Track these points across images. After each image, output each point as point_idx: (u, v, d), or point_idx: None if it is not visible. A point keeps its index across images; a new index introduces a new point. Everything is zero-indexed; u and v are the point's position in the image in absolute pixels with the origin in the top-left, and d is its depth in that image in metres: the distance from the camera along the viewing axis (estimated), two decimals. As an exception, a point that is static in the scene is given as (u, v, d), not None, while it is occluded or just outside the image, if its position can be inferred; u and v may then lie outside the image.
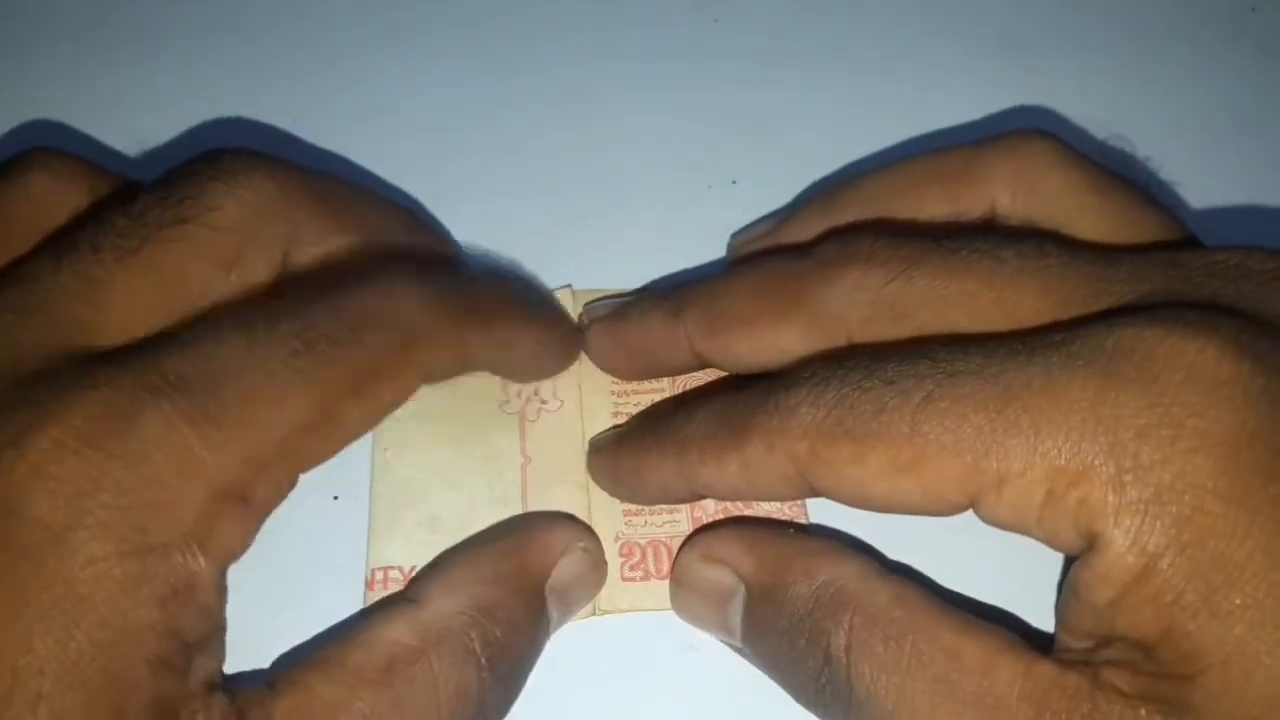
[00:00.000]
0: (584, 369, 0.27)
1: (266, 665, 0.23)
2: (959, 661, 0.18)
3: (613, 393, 0.27)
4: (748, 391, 0.21)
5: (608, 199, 0.30)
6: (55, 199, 0.21)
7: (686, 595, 0.23)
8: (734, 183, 0.31)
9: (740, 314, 0.23)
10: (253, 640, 0.22)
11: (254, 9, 0.34)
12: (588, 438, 0.26)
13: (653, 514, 0.25)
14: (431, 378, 0.21)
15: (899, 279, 0.21)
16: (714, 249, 0.29)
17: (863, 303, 0.21)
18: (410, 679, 0.19)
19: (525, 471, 0.25)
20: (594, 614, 0.24)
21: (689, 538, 0.24)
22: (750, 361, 0.23)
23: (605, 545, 0.24)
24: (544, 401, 0.27)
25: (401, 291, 0.20)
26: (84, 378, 0.17)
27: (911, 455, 0.18)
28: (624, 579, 0.24)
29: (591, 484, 0.25)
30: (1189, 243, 0.22)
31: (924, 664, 0.18)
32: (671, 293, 0.25)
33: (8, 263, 0.20)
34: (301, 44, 0.33)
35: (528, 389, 0.27)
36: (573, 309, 0.28)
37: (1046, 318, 0.20)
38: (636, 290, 0.28)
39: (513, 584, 0.22)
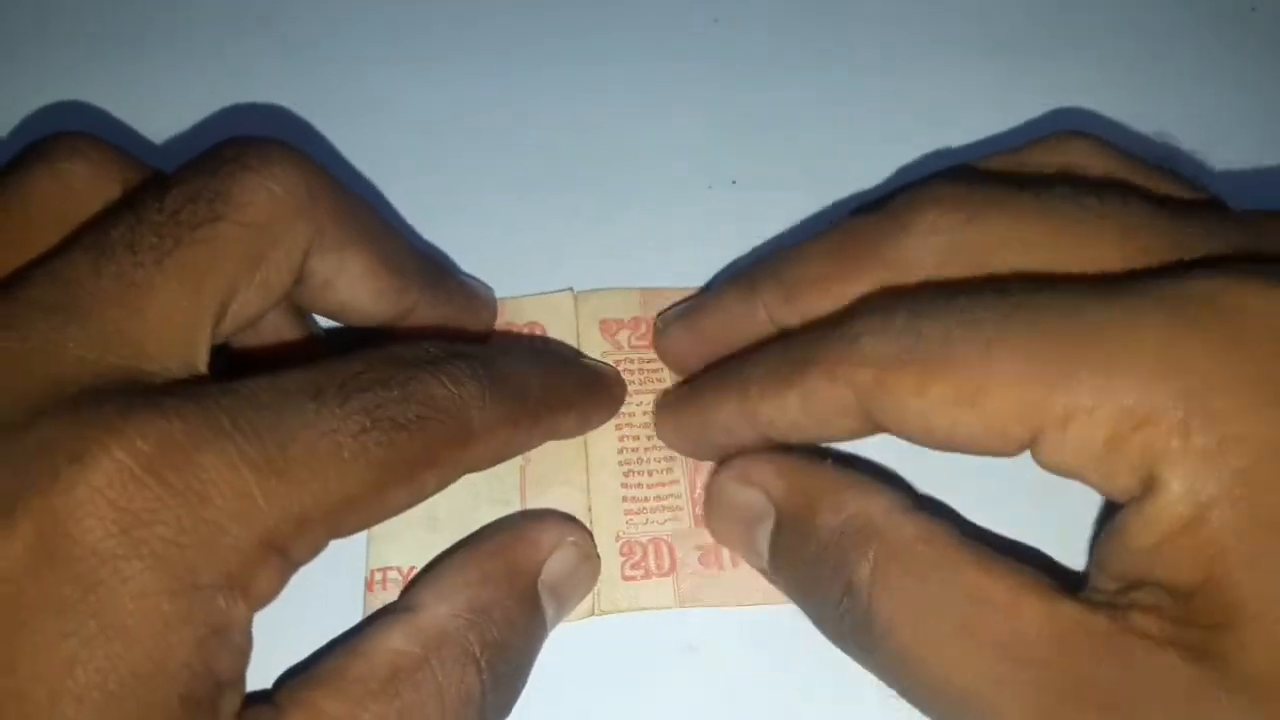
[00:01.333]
0: (584, 369, 0.27)
1: (267, 666, 0.23)
2: (982, 599, 0.18)
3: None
4: (813, 327, 0.21)
5: (607, 199, 0.30)
6: (90, 188, 0.21)
7: (717, 515, 0.23)
8: (734, 183, 0.31)
9: (815, 275, 0.23)
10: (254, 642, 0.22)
11: (263, 6, 0.34)
12: (586, 439, 0.26)
13: (654, 511, 0.25)
14: (474, 469, 0.21)
15: (977, 220, 0.21)
16: (714, 249, 0.29)
17: (939, 246, 0.21)
18: (414, 687, 0.19)
19: (524, 472, 0.25)
20: (594, 614, 0.24)
21: (723, 461, 0.23)
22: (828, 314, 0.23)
23: (606, 545, 0.24)
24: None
25: (466, 386, 0.20)
26: (151, 402, 0.17)
27: (977, 386, 0.18)
28: (624, 578, 0.24)
29: (591, 484, 0.25)
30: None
31: (946, 600, 0.18)
32: (744, 271, 0.25)
33: (41, 253, 0.20)
34: (303, 42, 0.33)
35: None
36: (574, 312, 0.28)
37: (1125, 265, 0.20)
38: (635, 290, 0.28)
39: (506, 583, 0.22)
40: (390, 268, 0.23)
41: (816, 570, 0.20)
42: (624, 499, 0.25)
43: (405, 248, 0.24)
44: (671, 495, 0.25)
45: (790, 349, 0.21)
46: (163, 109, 0.31)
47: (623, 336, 0.28)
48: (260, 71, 0.33)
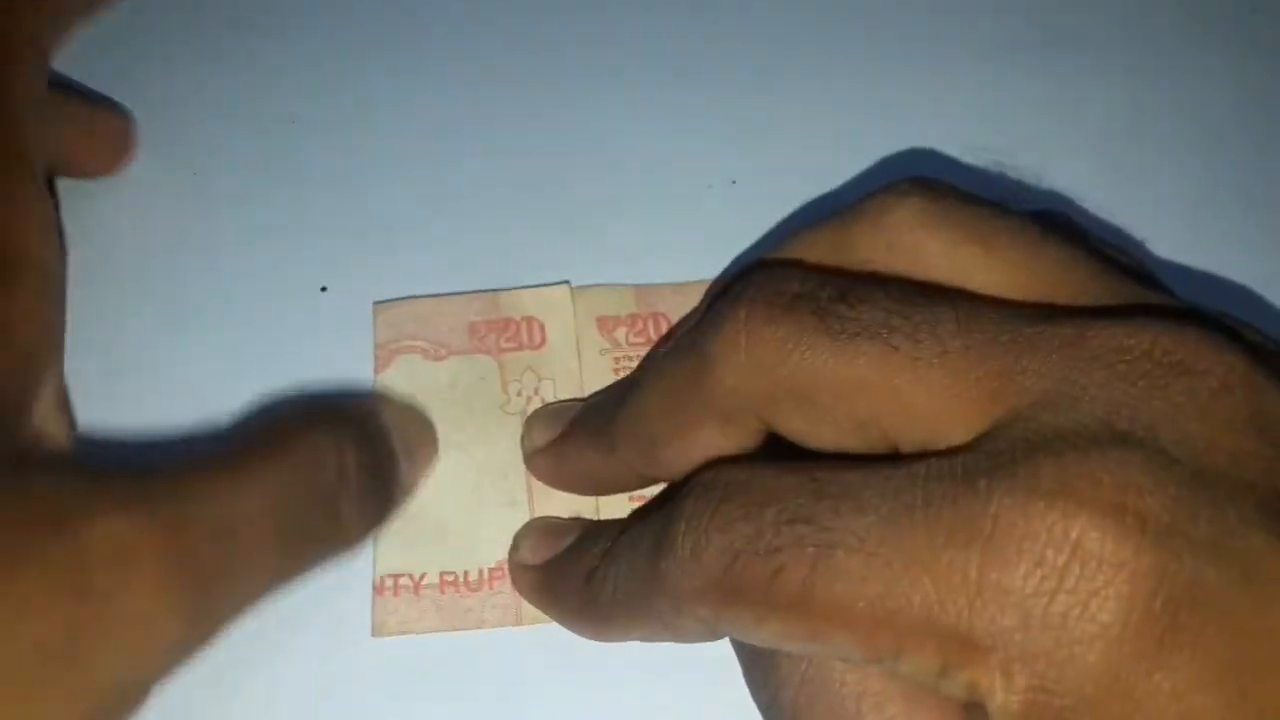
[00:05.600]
0: (585, 366, 0.27)
1: (269, 668, 0.23)
2: None
3: (615, 390, 0.26)
4: (640, 551, 0.20)
5: (608, 199, 0.30)
6: None
7: None
8: (734, 183, 0.30)
9: (662, 435, 0.22)
10: (253, 641, 0.22)
11: (254, 8, 0.34)
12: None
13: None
14: None
15: (788, 362, 0.19)
16: (714, 249, 0.29)
17: (758, 392, 0.20)
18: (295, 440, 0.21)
19: (530, 473, 0.25)
20: None
21: None
22: (691, 466, 0.22)
23: None
24: (545, 401, 0.26)
25: None
26: None
27: (808, 630, 0.18)
28: None
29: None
30: (1094, 283, 0.20)
31: None
32: (598, 423, 0.24)
33: None
34: (301, 40, 0.33)
35: (528, 389, 0.26)
36: (571, 306, 0.28)
37: (944, 415, 0.18)
38: (629, 287, 0.28)
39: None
40: None
41: (751, 663, 0.21)
42: (630, 498, 0.25)
43: None
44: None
45: (631, 580, 0.21)
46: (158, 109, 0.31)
47: (620, 334, 0.27)
48: (259, 70, 0.32)
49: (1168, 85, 0.32)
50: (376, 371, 0.27)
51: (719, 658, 0.23)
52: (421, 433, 0.26)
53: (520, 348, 0.27)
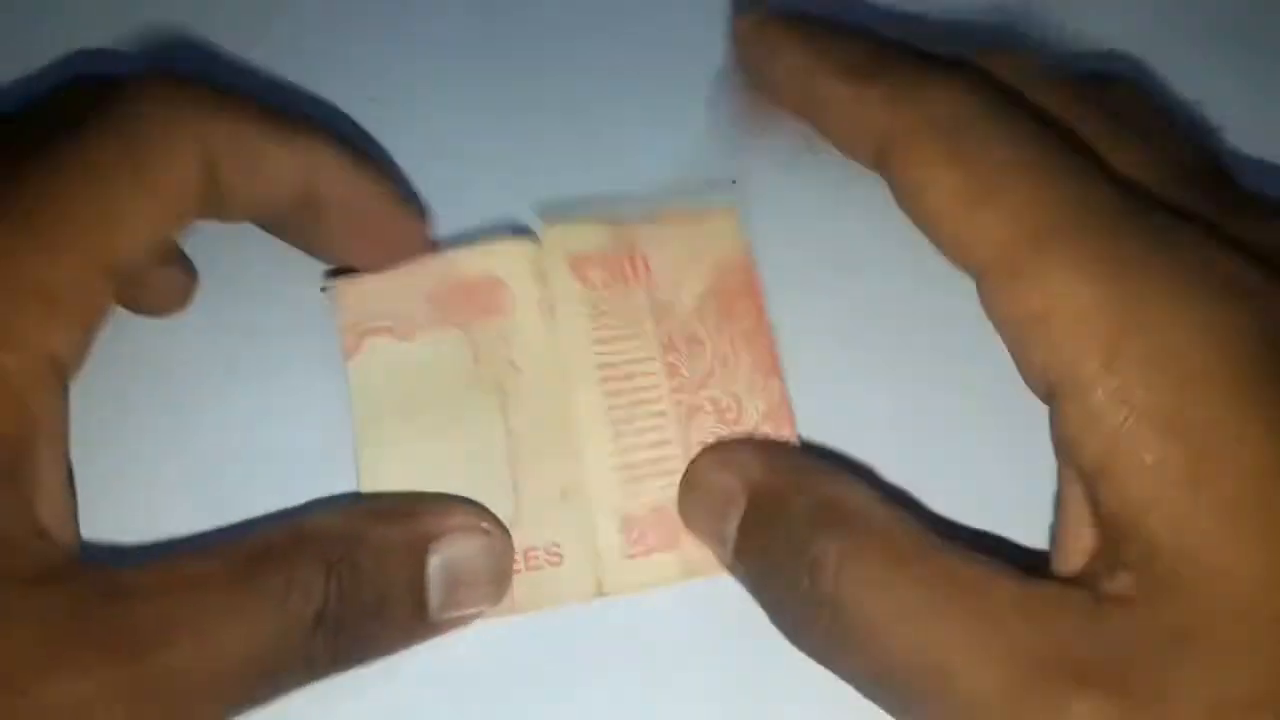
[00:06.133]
0: (561, 323, 0.25)
1: None
2: (954, 579, 0.19)
3: (596, 346, 0.25)
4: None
5: (608, 199, 0.28)
6: None
7: (690, 498, 0.23)
8: (734, 183, 0.28)
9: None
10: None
11: (255, 8, 0.31)
12: (573, 395, 0.25)
13: (653, 478, 0.24)
14: (217, 164, 0.22)
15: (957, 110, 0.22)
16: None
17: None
18: (273, 569, 0.20)
19: (511, 450, 0.24)
20: (600, 595, 0.23)
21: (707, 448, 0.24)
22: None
23: (606, 523, 0.24)
24: (519, 369, 0.25)
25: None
26: None
27: (987, 191, 0.20)
28: (628, 556, 0.23)
29: (585, 453, 0.24)
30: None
31: (917, 579, 0.19)
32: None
33: None
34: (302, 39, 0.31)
35: (500, 360, 0.25)
36: (533, 262, 0.26)
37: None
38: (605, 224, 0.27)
39: (396, 531, 0.22)
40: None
41: (782, 550, 0.20)
42: (619, 467, 0.24)
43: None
44: (665, 459, 0.24)
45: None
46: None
47: (595, 276, 0.26)
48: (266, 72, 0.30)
49: (1167, 85, 0.30)
50: (345, 360, 0.25)
51: (717, 658, 0.23)
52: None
53: (487, 313, 0.25)
